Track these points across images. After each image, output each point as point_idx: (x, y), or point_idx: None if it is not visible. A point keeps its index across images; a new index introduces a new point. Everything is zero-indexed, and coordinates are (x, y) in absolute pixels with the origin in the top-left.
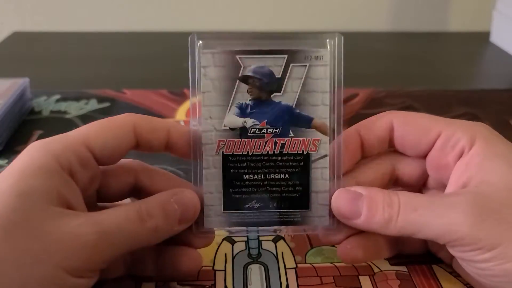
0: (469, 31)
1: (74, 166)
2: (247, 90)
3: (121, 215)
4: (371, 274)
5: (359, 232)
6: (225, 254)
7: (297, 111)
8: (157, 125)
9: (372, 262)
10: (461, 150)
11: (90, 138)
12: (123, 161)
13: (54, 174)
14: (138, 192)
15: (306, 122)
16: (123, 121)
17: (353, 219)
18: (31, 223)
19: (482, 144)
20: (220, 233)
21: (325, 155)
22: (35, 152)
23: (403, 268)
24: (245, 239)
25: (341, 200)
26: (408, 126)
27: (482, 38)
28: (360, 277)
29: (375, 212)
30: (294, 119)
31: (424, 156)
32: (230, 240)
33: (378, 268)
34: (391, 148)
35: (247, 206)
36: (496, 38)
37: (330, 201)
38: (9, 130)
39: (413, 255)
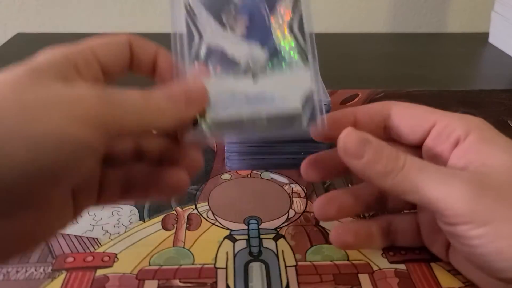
0: (467, 32)
1: (80, 62)
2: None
3: (126, 91)
4: (370, 272)
5: (352, 221)
6: (227, 252)
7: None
8: (147, 44)
9: (371, 260)
10: (457, 139)
11: (93, 45)
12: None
13: (61, 62)
14: (141, 156)
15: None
16: (120, 36)
17: (355, 158)
18: (38, 83)
19: (477, 133)
20: (220, 231)
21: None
22: (46, 50)
23: (402, 266)
24: (246, 237)
25: (350, 136)
26: (404, 114)
27: (480, 39)
28: (360, 275)
29: (379, 159)
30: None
31: (419, 145)
32: (231, 238)
33: (377, 266)
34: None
35: (232, 110)
36: (495, 39)
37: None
38: None
39: (406, 248)
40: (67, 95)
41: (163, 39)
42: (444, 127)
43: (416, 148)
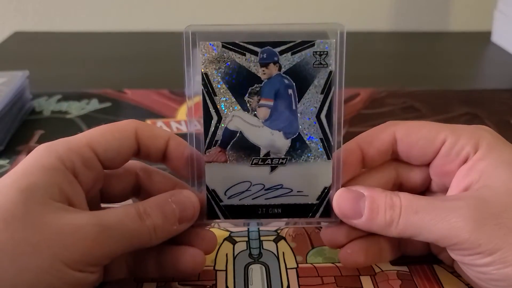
0: (470, 31)
1: (78, 166)
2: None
3: (121, 212)
4: (372, 274)
5: (360, 236)
6: (226, 254)
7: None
8: (157, 133)
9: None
10: (466, 156)
11: (94, 140)
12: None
13: (57, 172)
14: (139, 193)
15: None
16: (125, 125)
17: (354, 218)
18: (31, 215)
19: (485, 149)
20: (220, 233)
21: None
22: (39, 153)
23: (404, 268)
24: (246, 239)
25: (343, 199)
26: (411, 137)
27: (483, 38)
28: (361, 277)
29: (377, 213)
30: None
31: (428, 164)
32: (231, 240)
33: (379, 268)
34: (393, 157)
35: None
36: (498, 38)
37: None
38: (10, 130)
39: (415, 256)
40: (60, 229)
41: (163, 38)
42: (453, 145)
43: (424, 167)
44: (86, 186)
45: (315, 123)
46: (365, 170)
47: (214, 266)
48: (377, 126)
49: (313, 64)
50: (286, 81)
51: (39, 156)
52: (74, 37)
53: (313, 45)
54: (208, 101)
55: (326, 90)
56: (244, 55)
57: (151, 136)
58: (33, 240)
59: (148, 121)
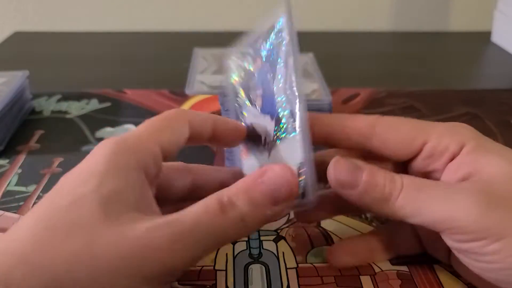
0: (470, 31)
1: (149, 164)
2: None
3: (199, 209)
4: (372, 274)
5: (349, 238)
6: (226, 254)
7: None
8: (205, 117)
9: (373, 262)
10: (452, 154)
11: (158, 135)
12: (177, 164)
13: (131, 173)
14: (194, 193)
15: None
16: (179, 116)
17: (349, 188)
18: (109, 230)
19: (472, 144)
20: None
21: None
22: (112, 149)
23: (404, 268)
24: (246, 239)
25: (340, 166)
26: (390, 133)
27: (483, 38)
28: (361, 277)
29: (375, 184)
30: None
31: (403, 162)
32: None
33: (379, 268)
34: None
35: None
36: (497, 38)
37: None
38: (10, 130)
39: (411, 255)
40: (135, 241)
41: (163, 38)
42: (435, 146)
43: (400, 165)
44: (152, 184)
45: (283, 97)
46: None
47: (214, 266)
48: (361, 115)
49: (277, 44)
50: (265, 68)
51: (113, 153)
52: (74, 37)
53: (273, 27)
54: (236, 105)
55: (287, 62)
56: (246, 58)
57: (201, 123)
58: (111, 257)
59: None
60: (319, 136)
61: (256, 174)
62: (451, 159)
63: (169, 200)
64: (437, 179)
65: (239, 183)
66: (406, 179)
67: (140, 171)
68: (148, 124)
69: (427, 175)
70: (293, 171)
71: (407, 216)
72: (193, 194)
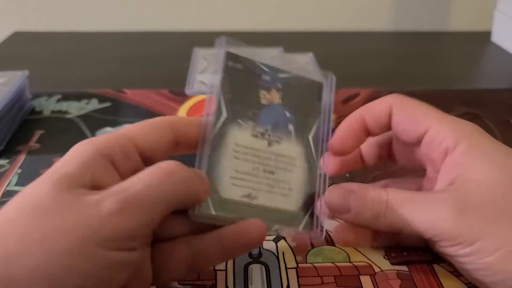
0: (470, 31)
1: (116, 154)
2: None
3: (147, 175)
4: (372, 273)
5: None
6: None
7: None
8: (191, 120)
9: (373, 262)
10: (446, 148)
11: (133, 132)
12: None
13: (91, 160)
14: None
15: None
16: (161, 119)
17: (343, 213)
18: (59, 203)
19: (466, 143)
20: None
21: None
22: (79, 146)
23: (404, 268)
24: None
25: (333, 194)
26: (402, 114)
27: (483, 38)
28: (361, 277)
29: (364, 207)
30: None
31: (417, 144)
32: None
33: (379, 267)
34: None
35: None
36: (498, 37)
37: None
38: (10, 130)
39: (412, 248)
40: (86, 211)
41: (163, 38)
42: (435, 135)
43: (417, 145)
44: (124, 174)
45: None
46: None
47: (214, 266)
48: (379, 98)
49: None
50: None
51: (78, 148)
52: (74, 37)
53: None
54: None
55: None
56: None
57: (188, 127)
58: (61, 226)
59: None
60: (358, 134)
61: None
62: (446, 153)
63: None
64: (437, 170)
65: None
66: (391, 195)
67: (101, 158)
68: (131, 125)
69: (431, 162)
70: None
71: (399, 229)
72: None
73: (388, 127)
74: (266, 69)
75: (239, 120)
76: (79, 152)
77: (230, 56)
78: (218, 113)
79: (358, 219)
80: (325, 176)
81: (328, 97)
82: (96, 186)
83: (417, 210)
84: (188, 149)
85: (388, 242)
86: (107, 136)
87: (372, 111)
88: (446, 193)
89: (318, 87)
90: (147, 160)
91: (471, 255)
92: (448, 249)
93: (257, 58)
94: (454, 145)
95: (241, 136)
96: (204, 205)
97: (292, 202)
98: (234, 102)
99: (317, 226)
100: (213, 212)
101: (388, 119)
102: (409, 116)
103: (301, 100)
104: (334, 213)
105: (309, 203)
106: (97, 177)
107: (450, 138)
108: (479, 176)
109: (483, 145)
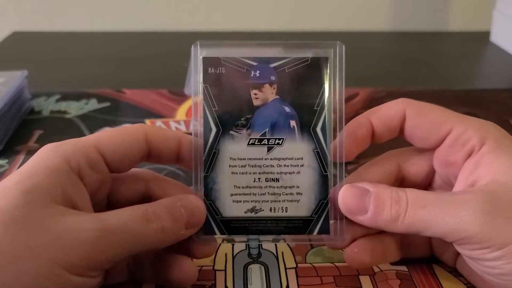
0: (469, 31)
1: (84, 167)
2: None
3: (126, 214)
4: (372, 274)
5: (365, 234)
6: (225, 254)
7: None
8: (168, 135)
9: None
10: (471, 148)
11: (101, 142)
12: (134, 170)
13: (61, 173)
14: (148, 200)
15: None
16: (135, 129)
17: (359, 215)
18: (31, 218)
19: (492, 143)
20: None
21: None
22: (45, 153)
23: (403, 268)
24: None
25: (348, 195)
26: (419, 118)
27: (482, 38)
28: (361, 277)
29: (382, 209)
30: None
31: (431, 150)
32: (230, 240)
33: (379, 268)
34: (401, 136)
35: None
36: (496, 37)
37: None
38: (9, 130)
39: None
40: (60, 233)
41: (162, 38)
42: (459, 135)
43: (426, 158)
44: (91, 188)
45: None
46: (367, 164)
47: (213, 266)
48: (389, 102)
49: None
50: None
51: (45, 156)
52: (73, 37)
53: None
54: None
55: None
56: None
57: (162, 138)
58: (32, 244)
59: (147, 121)
60: (364, 136)
61: (175, 198)
62: (471, 153)
63: (122, 203)
64: (456, 174)
65: (164, 201)
66: (410, 194)
67: (71, 172)
68: (100, 132)
69: (447, 165)
70: (202, 203)
71: (418, 232)
72: (146, 201)
73: (396, 132)
74: (253, 62)
75: (230, 132)
76: (45, 162)
77: (208, 62)
78: (207, 130)
79: (376, 222)
80: (340, 166)
81: (338, 74)
82: (66, 203)
83: (440, 212)
84: (162, 162)
85: (398, 257)
86: (74, 145)
87: (382, 116)
88: (471, 193)
89: (322, 64)
90: (115, 171)
91: (499, 259)
92: (474, 252)
93: (241, 54)
94: (480, 145)
95: (235, 149)
96: (208, 228)
97: (303, 207)
98: (222, 114)
99: (335, 229)
100: (217, 234)
101: (399, 124)
102: (428, 119)
103: (302, 87)
104: (349, 215)
105: (323, 204)
106: (67, 193)
107: (476, 137)
108: (505, 178)
109: (508, 147)
